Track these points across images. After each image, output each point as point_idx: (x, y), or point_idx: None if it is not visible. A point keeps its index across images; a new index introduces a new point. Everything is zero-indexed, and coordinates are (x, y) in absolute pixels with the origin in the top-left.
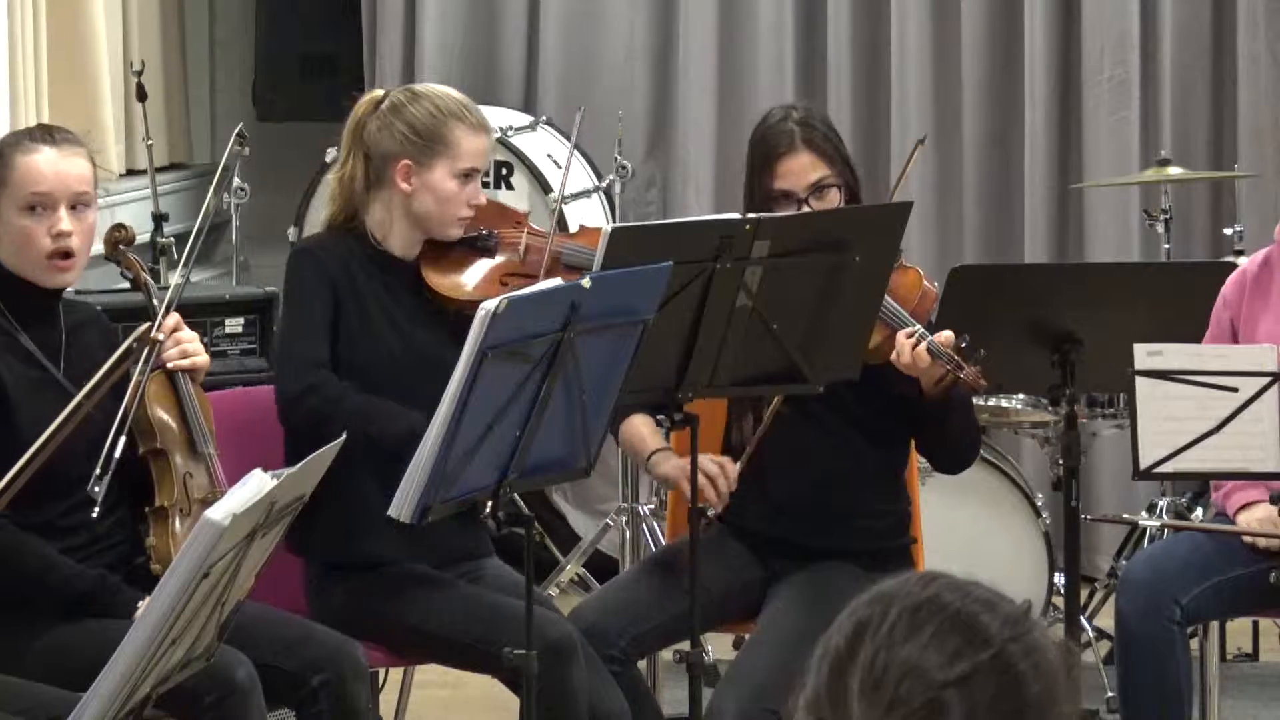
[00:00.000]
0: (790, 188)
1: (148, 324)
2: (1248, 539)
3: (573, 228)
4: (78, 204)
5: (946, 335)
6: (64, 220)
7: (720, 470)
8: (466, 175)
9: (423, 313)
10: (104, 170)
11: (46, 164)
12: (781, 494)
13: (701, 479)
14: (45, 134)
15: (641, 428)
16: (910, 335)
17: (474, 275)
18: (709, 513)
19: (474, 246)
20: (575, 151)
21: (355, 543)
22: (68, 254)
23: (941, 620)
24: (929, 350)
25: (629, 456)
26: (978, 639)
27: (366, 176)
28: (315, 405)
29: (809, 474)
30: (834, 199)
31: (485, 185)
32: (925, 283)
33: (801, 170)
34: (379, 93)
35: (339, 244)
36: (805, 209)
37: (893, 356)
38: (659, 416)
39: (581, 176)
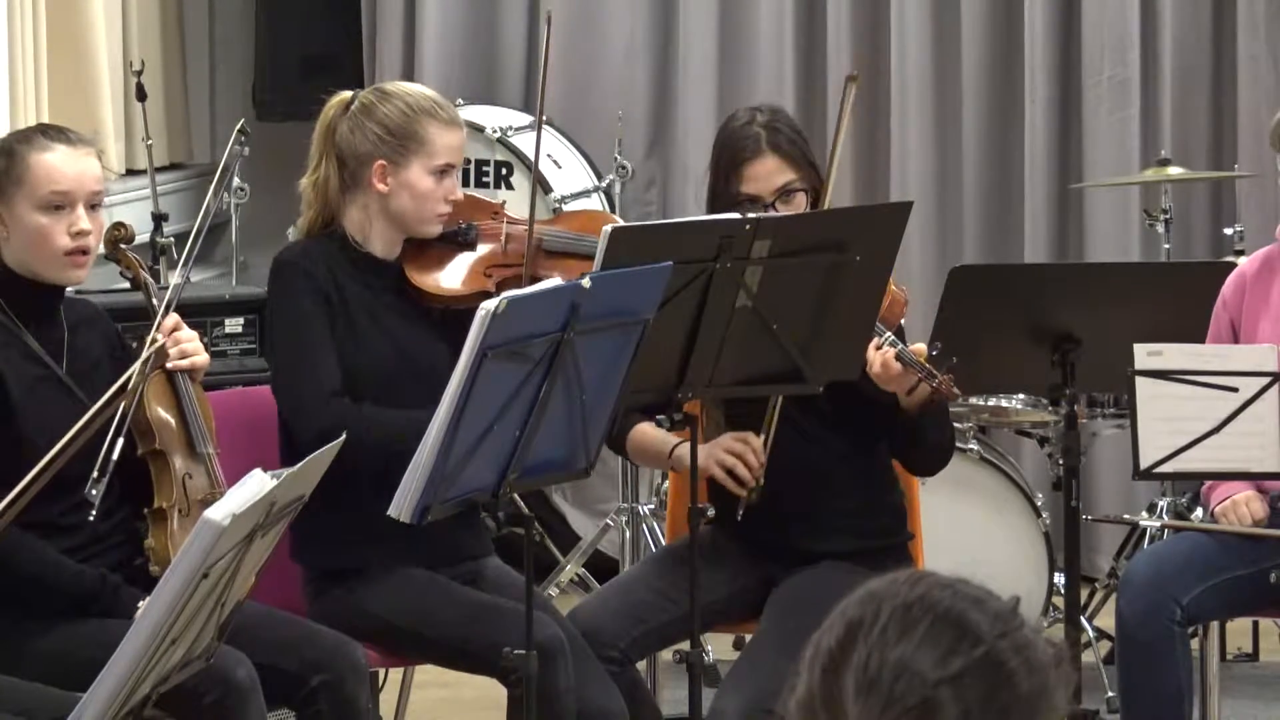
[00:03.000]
0: (756, 192)
1: (163, 341)
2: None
3: None
4: (93, 203)
5: (919, 346)
6: (84, 219)
7: (746, 445)
8: (442, 171)
9: (409, 312)
10: (105, 170)
11: (66, 163)
12: (772, 498)
13: (730, 459)
14: (58, 133)
15: (651, 431)
16: (879, 346)
17: (458, 270)
18: (750, 495)
19: (455, 241)
20: (574, 149)
21: (353, 546)
22: (85, 251)
23: (933, 619)
24: (900, 358)
25: (645, 465)
26: (969, 637)
27: (341, 179)
28: (347, 439)
29: (796, 478)
30: (800, 203)
31: (484, 185)
32: (894, 287)
33: (768, 174)
34: (347, 95)
35: (320, 250)
36: (771, 214)
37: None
38: (659, 416)
39: (581, 176)
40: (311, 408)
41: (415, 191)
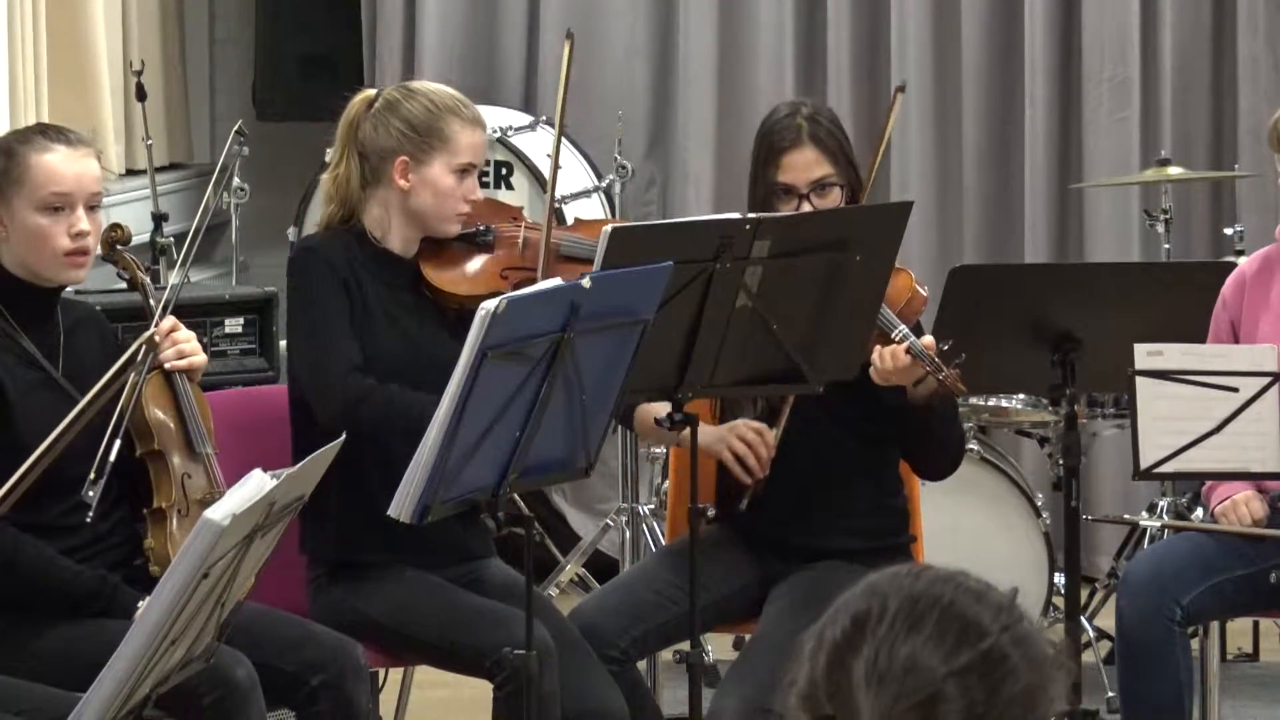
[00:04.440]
0: (792, 182)
1: (151, 331)
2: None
3: (569, 222)
4: (92, 204)
5: (928, 339)
6: (83, 220)
7: (759, 436)
8: (464, 170)
9: (424, 311)
10: (104, 170)
11: (66, 164)
12: (775, 496)
13: (741, 447)
14: (58, 133)
15: (658, 410)
16: (893, 340)
17: (474, 271)
18: (757, 487)
19: (473, 242)
20: (574, 149)
21: (357, 543)
22: (84, 251)
23: (940, 613)
24: (910, 351)
25: (647, 438)
26: (974, 631)
27: (363, 175)
28: (369, 415)
29: (801, 475)
30: (836, 198)
31: (485, 185)
32: (916, 286)
33: (805, 165)
34: (371, 92)
35: (340, 242)
36: (806, 205)
37: (871, 364)
38: (659, 417)
39: (581, 176)
40: (336, 382)
41: (436, 189)
